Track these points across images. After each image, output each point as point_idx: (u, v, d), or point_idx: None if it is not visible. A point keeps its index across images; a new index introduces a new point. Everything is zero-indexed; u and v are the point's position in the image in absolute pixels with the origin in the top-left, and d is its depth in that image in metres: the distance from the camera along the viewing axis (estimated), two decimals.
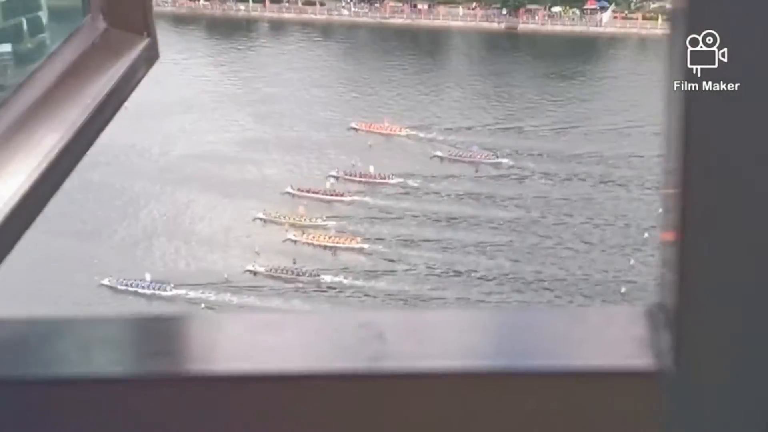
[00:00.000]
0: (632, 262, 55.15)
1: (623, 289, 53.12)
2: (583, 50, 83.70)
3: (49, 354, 1.09)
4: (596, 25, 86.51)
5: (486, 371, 1.03)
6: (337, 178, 63.54)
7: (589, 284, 54.03)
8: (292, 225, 59.78)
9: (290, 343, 1.13)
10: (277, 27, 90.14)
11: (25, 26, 3.47)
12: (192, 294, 53.36)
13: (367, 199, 61.88)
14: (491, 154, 66.56)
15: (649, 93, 61.83)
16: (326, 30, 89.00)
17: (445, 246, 57.34)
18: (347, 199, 62.07)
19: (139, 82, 3.06)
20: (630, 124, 67.61)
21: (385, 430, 1.06)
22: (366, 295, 54.40)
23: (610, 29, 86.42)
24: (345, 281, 55.69)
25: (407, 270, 56.21)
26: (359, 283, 55.50)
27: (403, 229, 59.15)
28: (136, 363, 1.08)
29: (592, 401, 1.04)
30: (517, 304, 52.79)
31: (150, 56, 3.12)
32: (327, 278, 55.93)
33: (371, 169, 63.62)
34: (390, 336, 1.10)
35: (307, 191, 62.29)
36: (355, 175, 63.44)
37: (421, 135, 68.16)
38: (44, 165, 2.55)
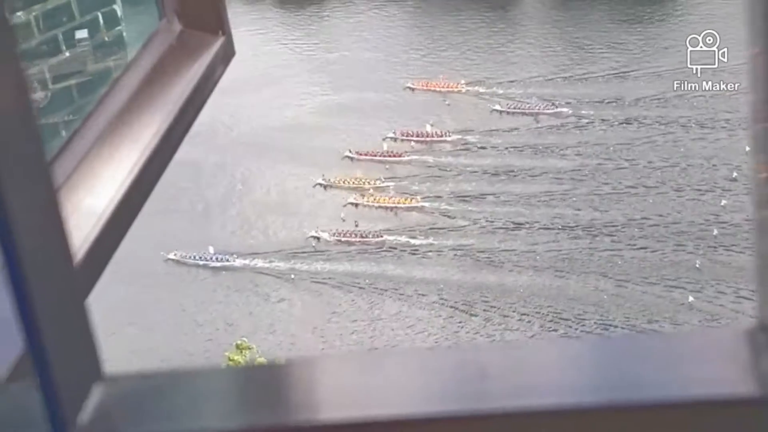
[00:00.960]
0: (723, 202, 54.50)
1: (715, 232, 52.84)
2: None
3: (161, 409, 1.12)
4: None
5: (590, 407, 0.99)
6: (394, 139, 63.63)
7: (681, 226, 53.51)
8: (353, 189, 60.19)
9: (392, 384, 1.12)
10: None
11: (101, 19, 3.54)
12: (258, 263, 54.31)
13: (425, 157, 61.90)
14: (550, 104, 65.90)
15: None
16: None
17: (505, 199, 57.22)
18: (405, 158, 62.19)
19: (218, 80, 3.12)
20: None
21: None
22: (431, 252, 54.74)
23: None
24: (409, 240, 56.03)
25: (468, 225, 56.29)
26: (422, 241, 55.77)
27: (463, 185, 59.12)
28: (243, 415, 1.09)
29: None
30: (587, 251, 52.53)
31: (226, 54, 3.18)
32: (391, 238, 56.34)
33: (428, 127, 63.55)
34: (492, 372, 1.08)
35: (366, 154, 62.56)
36: (413, 135, 63.43)
37: (481, 90, 67.74)
38: (134, 173, 2.71)
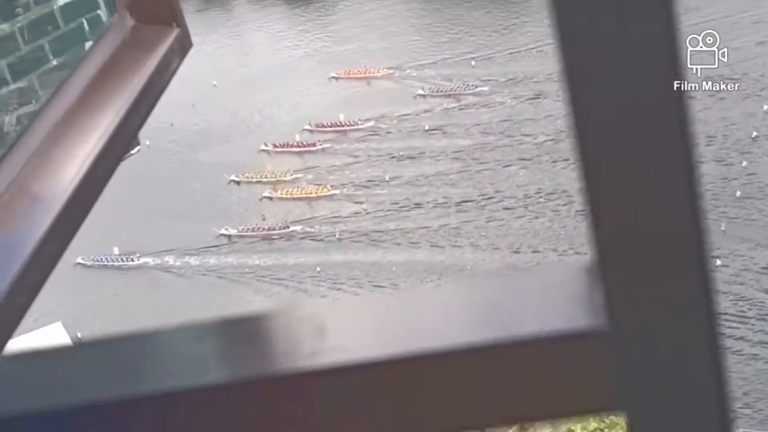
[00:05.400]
0: None
1: None
2: None
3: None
4: None
5: (420, 354, 1.00)
6: (310, 130, 64.24)
7: None
8: (266, 183, 60.85)
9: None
10: None
11: (86, 27, 3.52)
12: (163, 261, 55.24)
13: (338, 146, 62.44)
14: (471, 84, 66.05)
15: None
16: None
17: (408, 181, 57.57)
18: (319, 148, 62.78)
19: (174, 72, 3.21)
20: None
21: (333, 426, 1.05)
22: (331, 238, 55.44)
23: None
24: (313, 229, 56.66)
25: (372, 210, 56.81)
26: (326, 228, 56.37)
27: (371, 171, 59.58)
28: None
29: (533, 369, 1.02)
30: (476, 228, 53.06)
31: (183, 45, 3.25)
32: (297, 228, 56.93)
33: (341, 117, 64.06)
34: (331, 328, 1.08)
35: (281, 146, 63.22)
36: (327, 125, 64.00)
37: (400, 74, 68.18)
38: (86, 168, 2.75)
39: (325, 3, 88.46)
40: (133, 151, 3.62)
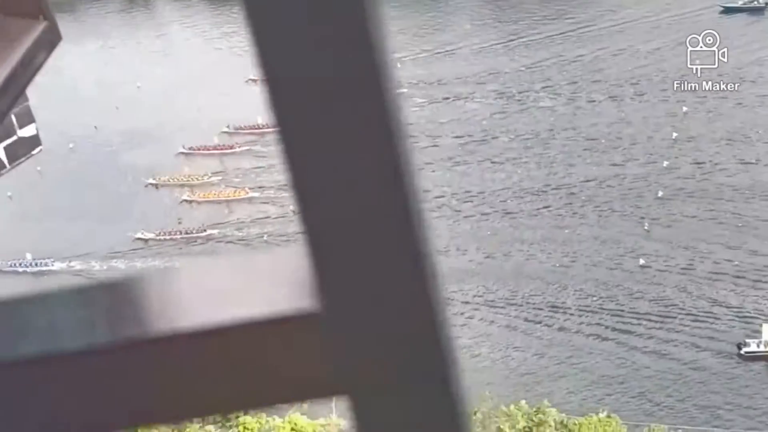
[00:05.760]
0: None
1: None
2: None
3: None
4: None
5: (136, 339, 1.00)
6: (229, 133, 64.32)
7: None
8: (184, 186, 60.79)
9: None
10: None
11: None
12: (78, 265, 54.98)
13: (256, 148, 62.55)
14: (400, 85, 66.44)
15: None
16: None
17: None
18: (238, 150, 62.88)
19: (41, 66, 3.08)
20: None
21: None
22: (248, 241, 55.58)
23: None
24: (230, 232, 56.80)
25: (288, 213, 57.07)
26: (243, 231, 56.55)
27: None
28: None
29: (251, 352, 1.01)
30: None
31: (51, 39, 3.13)
32: (214, 232, 56.99)
33: (259, 119, 64.15)
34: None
35: (200, 149, 63.17)
36: (245, 128, 64.08)
37: None
38: None
39: None
40: (34, 152, 3.78)
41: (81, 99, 73.09)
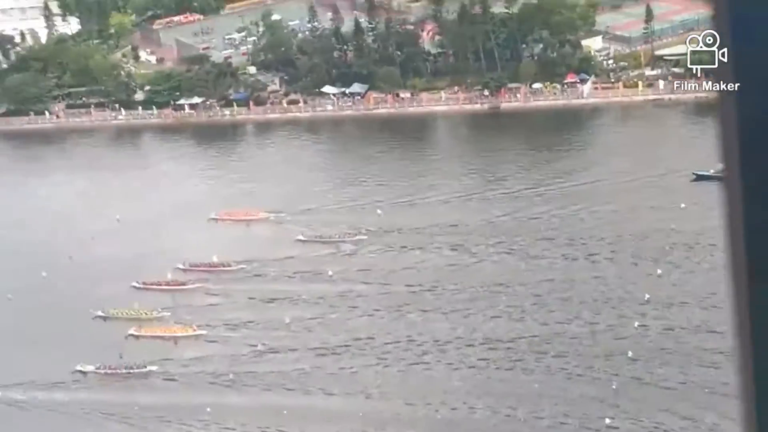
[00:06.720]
0: None
1: None
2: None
3: None
4: (578, 98, 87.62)
5: None
6: (183, 270, 64.89)
7: None
8: (132, 320, 60.96)
9: None
10: (264, 128, 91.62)
11: None
12: (9, 394, 54.78)
13: (208, 285, 63.07)
14: (353, 232, 67.35)
15: None
16: (311, 126, 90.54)
17: (266, 325, 58.06)
18: (190, 287, 63.34)
19: None
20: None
21: None
22: (186, 380, 55.33)
23: (592, 100, 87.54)
24: (170, 369, 56.57)
25: (233, 353, 56.96)
26: (183, 369, 56.31)
27: (235, 313, 60.00)
28: None
29: None
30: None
31: None
32: (154, 368, 56.76)
33: (214, 258, 64.84)
34: None
35: (152, 284, 63.64)
36: (200, 265, 64.74)
37: (277, 218, 69.65)
38: None
39: (235, 140, 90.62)
40: None
41: (61, 228, 74.07)
